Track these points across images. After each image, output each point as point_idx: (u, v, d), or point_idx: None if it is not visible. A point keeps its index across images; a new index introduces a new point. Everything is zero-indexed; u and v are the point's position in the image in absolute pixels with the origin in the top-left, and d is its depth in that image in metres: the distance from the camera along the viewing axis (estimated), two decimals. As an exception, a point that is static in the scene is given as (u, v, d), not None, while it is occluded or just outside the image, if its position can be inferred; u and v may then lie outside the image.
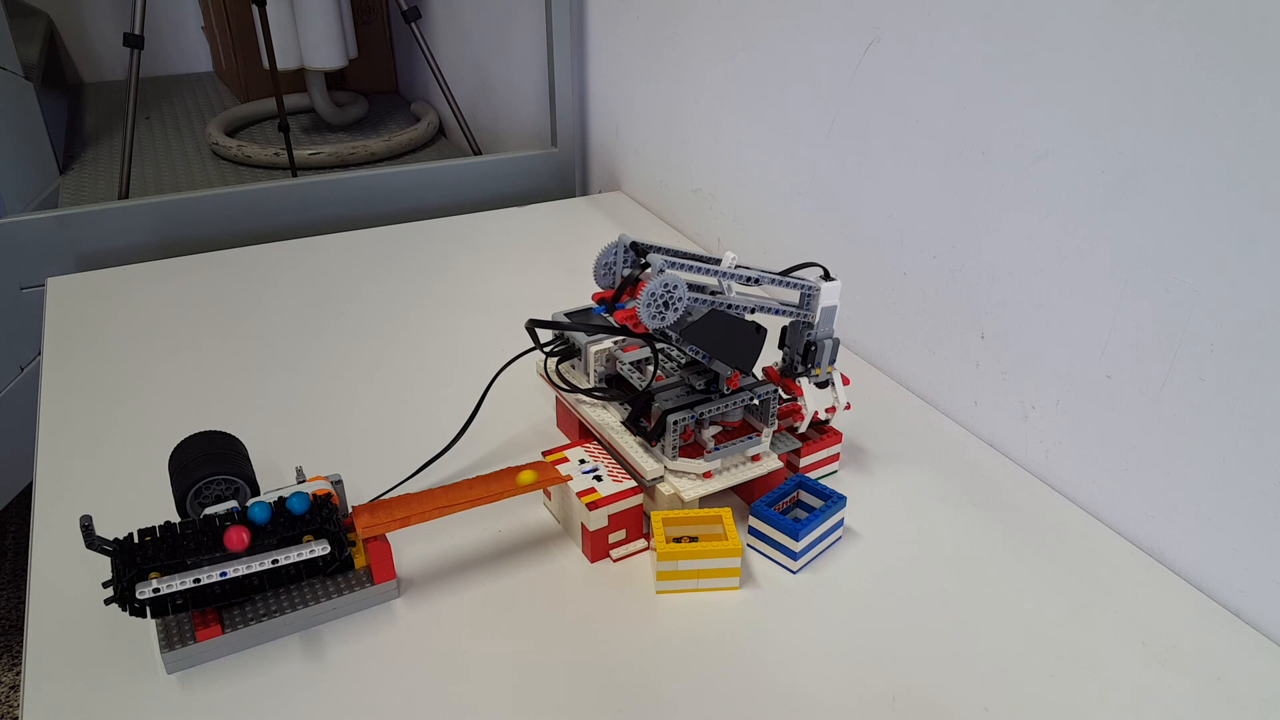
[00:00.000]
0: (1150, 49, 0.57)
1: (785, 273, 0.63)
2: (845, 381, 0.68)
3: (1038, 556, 0.63)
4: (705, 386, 0.63)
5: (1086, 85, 0.61)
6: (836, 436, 0.68)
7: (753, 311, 0.62)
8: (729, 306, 0.60)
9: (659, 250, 0.60)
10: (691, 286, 0.61)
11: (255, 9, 1.42)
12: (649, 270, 0.59)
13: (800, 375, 0.66)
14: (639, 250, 0.61)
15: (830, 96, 0.84)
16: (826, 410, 0.67)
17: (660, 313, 0.57)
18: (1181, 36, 0.55)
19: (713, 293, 0.60)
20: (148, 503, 0.66)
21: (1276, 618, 0.56)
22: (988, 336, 0.73)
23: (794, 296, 0.67)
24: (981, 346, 0.73)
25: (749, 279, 0.62)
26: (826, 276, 0.64)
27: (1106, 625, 0.57)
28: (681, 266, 0.59)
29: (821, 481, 0.67)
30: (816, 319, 0.64)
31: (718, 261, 0.61)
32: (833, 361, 0.67)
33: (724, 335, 0.60)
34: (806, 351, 0.66)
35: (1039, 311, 0.68)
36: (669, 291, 0.56)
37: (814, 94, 0.86)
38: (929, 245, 0.76)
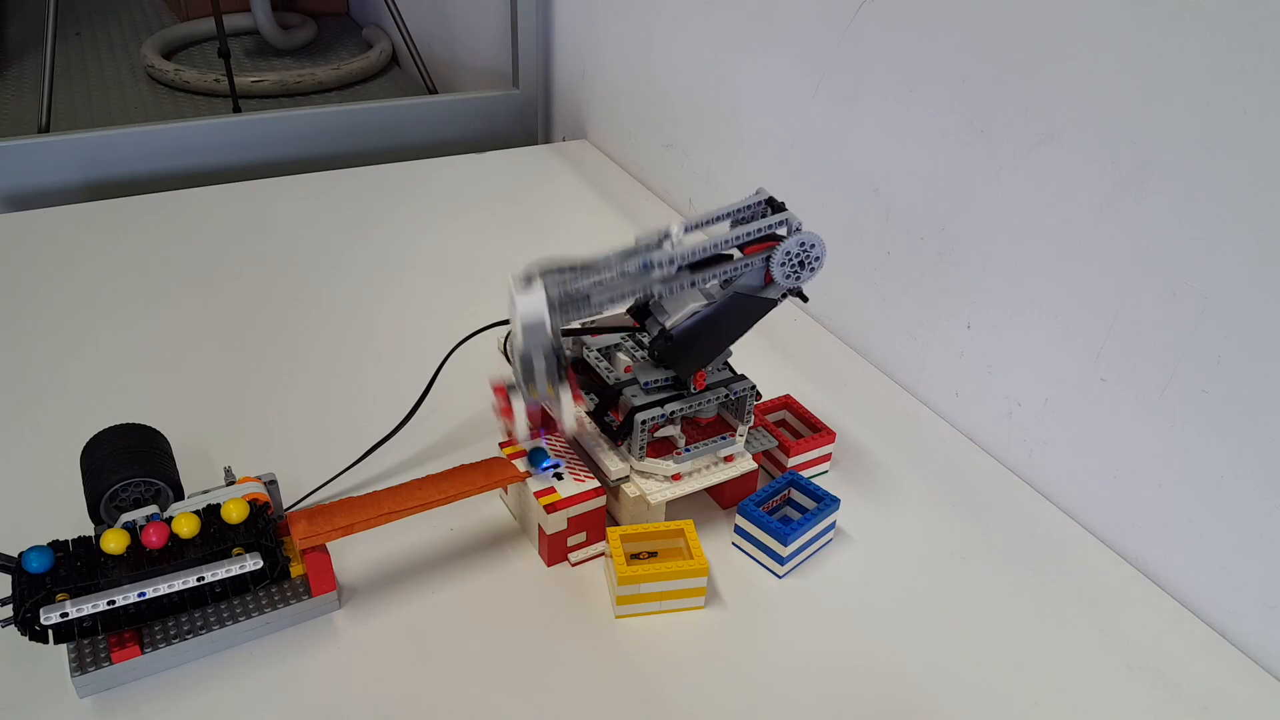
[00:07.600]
0: (1174, 29, 0.52)
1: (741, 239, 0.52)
2: (579, 399, 0.54)
3: (1015, 560, 0.60)
4: (674, 381, 0.58)
5: (1101, 65, 0.56)
6: (830, 436, 0.64)
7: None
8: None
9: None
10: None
11: (191, -79, 1.30)
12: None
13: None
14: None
15: (818, 57, 0.78)
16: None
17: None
18: (1210, 17, 0.50)
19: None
20: (56, 505, 0.60)
21: (1267, 643, 0.54)
22: (974, 326, 0.69)
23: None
24: (967, 336, 0.69)
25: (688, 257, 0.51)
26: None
27: (1091, 643, 0.54)
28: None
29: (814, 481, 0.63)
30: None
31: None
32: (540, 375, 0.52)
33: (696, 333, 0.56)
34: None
35: (1032, 305, 0.64)
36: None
37: (800, 53, 0.80)
38: (917, 225, 0.72)
